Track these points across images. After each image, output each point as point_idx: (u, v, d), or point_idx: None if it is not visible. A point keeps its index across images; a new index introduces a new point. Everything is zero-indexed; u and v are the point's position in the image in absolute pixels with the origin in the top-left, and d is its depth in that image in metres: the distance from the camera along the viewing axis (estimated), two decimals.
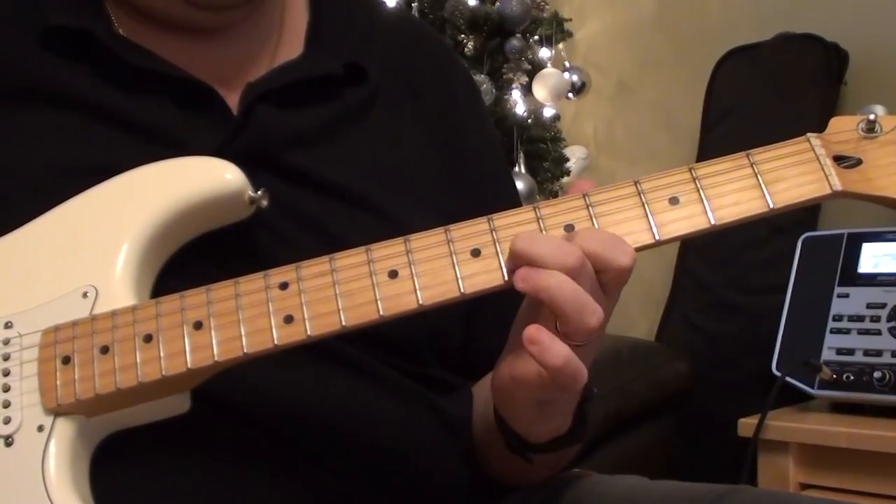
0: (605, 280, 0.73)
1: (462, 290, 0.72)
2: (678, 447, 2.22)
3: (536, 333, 0.71)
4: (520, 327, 0.74)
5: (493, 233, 0.73)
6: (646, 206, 0.74)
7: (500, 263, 0.73)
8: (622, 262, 0.72)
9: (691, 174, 0.74)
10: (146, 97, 0.87)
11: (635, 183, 0.74)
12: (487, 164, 1.04)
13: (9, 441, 0.74)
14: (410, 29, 1.08)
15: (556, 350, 0.71)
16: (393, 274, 0.73)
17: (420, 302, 0.72)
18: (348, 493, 0.84)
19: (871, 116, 0.75)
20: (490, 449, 0.93)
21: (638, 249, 0.73)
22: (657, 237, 0.73)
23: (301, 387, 0.83)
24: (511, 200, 1.05)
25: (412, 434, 0.88)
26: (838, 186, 0.74)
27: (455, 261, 0.73)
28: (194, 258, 0.82)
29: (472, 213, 0.76)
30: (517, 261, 0.72)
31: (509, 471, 0.95)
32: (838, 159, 0.75)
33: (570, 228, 0.74)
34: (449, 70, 1.06)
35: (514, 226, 0.73)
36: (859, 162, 0.75)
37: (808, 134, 0.76)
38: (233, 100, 0.89)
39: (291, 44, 0.96)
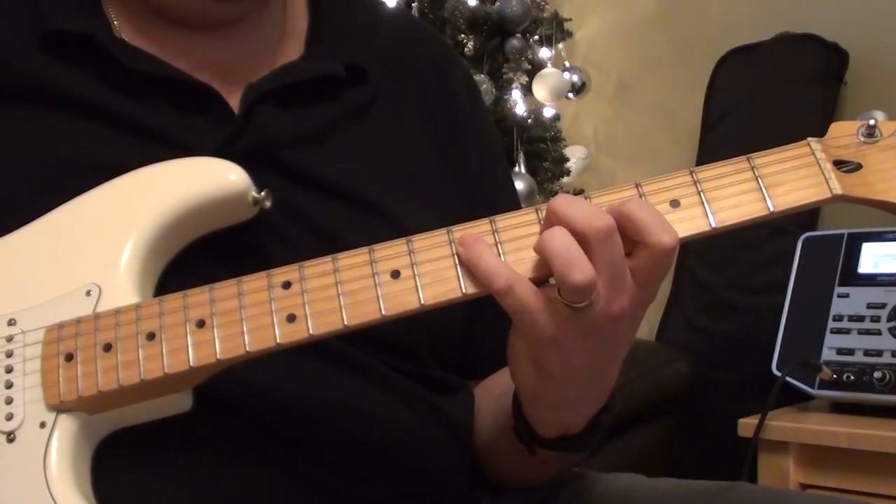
0: (641, 261, 0.71)
1: (464, 291, 0.73)
2: (678, 447, 2.22)
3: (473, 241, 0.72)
4: None
5: (496, 234, 0.73)
6: None
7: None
8: (662, 238, 0.70)
9: (692, 177, 0.74)
10: (148, 99, 0.87)
11: (636, 185, 0.74)
12: (487, 165, 1.05)
13: (11, 437, 0.75)
14: (411, 30, 1.08)
15: (521, 282, 0.71)
16: (395, 274, 0.73)
17: (422, 302, 0.73)
18: (347, 492, 0.84)
19: (871, 121, 0.75)
20: (498, 443, 0.93)
21: None
22: None
23: (302, 386, 0.83)
24: (511, 202, 1.05)
25: (411, 434, 0.88)
26: (838, 190, 0.74)
27: (457, 261, 0.73)
28: (197, 257, 0.82)
29: (472, 213, 0.76)
30: (551, 219, 0.71)
31: (513, 468, 0.94)
32: (838, 163, 0.75)
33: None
34: (450, 71, 1.06)
35: (515, 227, 0.74)
36: (859, 166, 0.75)
37: (809, 138, 0.76)
38: (234, 101, 0.89)
39: (292, 45, 0.96)
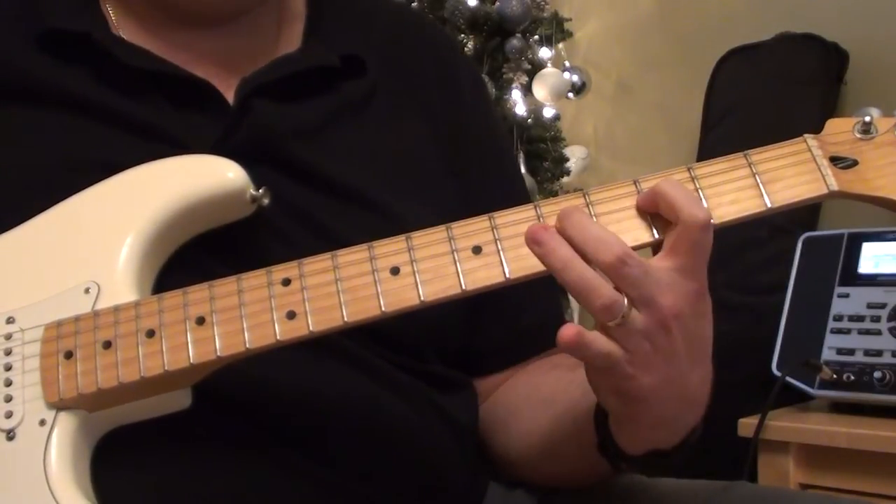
0: (677, 241, 0.71)
1: (463, 287, 0.73)
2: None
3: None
4: None
5: (495, 231, 0.74)
6: None
7: (501, 260, 0.73)
8: (695, 212, 0.70)
9: (690, 174, 0.75)
10: (145, 96, 0.88)
11: (635, 182, 0.75)
12: (490, 159, 1.03)
13: (11, 435, 0.75)
14: (413, 22, 1.08)
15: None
16: (395, 271, 0.74)
17: (422, 298, 0.73)
18: (349, 488, 0.84)
19: (867, 118, 0.76)
20: (555, 449, 0.91)
21: (638, 248, 0.73)
22: (656, 235, 0.73)
23: (301, 383, 0.83)
24: (518, 195, 1.03)
25: (412, 429, 0.88)
26: (835, 187, 0.74)
27: (456, 258, 0.73)
28: (196, 254, 0.82)
29: (474, 208, 0.76)
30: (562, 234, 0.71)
31: (569, 472, 0.92)
32: (835, 160, 0.75)
33: None
34: (452, 63, 1.05)
35: (515, 224, 0.74)
36: (855, 163, 0.75)
37: (805, 135, 0.76)
38: (231, 95, 0.89)
39: (291, 39, 0.96)
